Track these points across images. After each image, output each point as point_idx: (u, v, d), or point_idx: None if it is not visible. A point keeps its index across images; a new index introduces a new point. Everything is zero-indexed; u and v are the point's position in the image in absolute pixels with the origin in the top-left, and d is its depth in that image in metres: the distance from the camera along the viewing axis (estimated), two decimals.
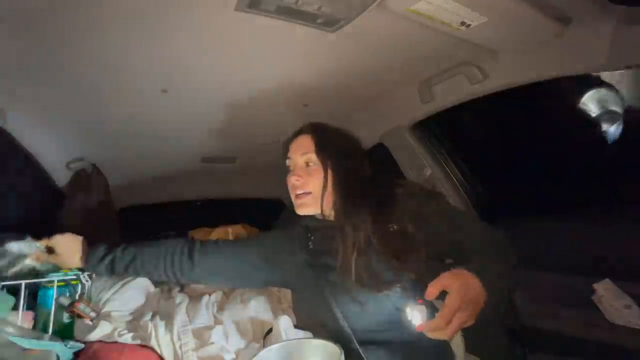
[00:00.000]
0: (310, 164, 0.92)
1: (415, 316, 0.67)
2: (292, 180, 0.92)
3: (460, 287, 0.64)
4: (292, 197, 0.93)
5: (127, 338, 0.92)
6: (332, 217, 0.92)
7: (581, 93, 1.18)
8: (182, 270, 0.96)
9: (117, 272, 0.94)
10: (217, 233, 1.36)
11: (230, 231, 1.37)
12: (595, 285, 0.98)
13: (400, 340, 0.80)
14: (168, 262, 0.95)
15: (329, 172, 0.90)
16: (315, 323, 0.91)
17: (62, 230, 0.95)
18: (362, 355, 0.79)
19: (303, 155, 0.92)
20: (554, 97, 1.24)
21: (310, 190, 0.90)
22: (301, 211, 0.92)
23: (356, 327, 0.82)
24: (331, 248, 0.87)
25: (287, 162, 0.96)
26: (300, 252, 0.95)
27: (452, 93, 1.16)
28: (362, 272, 0.82)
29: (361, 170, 0.95)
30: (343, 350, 0.73)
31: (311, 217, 0.95)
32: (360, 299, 0.83)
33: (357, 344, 0.80)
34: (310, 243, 0.94)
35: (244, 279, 1.01)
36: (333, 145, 0.93)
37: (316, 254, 0.93)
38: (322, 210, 0.90)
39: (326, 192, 0.89)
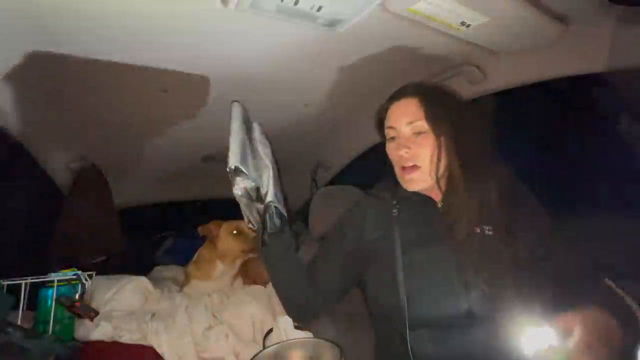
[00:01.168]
0: (420, 132, 0.78)
1: (541, 336, 0.59)
2: (400, 152, 0.79)
3: (586, 331, 0.57)
4: (397, 170, 0.82)
5: (127, 338, 0.92)
6: (430, 193, 0.82)
7: (582, 93, 1.18)
8: (311, 297, 0.85)
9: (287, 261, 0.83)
10: (227, 226, 1.38)
11: (234, 225, 1.39)
12: None
13: (455, 326, 0.74)
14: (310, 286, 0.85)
15: (444, 142, 0.77)
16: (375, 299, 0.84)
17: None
18: (407, 338, 0.74)
19: (410, 123, 0.78)
20: (553, 97, 1.24)
21: (420, 164, 0.78)
22: (411, 187, 0.81)
23: (415, 308, 0.75)
24: (420, 222, 0.80)
25: (388, 132, 0.82)
26: (380, 223, 0.86)
27: None
28: (466, 260, 0.74)
29: (483, 139, 0.82)
30: (343, 350, 0.73)
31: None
32: (439, 283, 0.76)
33: (407, 327, 0.74)
34: (395, 211, 0.84)
35: (354, 277, 0.89)
36: (447, 109, 0.79)
37: (400, 224, 0.83)
38: (439, 185, 0.79)
39: (441, 165, 0.77)
